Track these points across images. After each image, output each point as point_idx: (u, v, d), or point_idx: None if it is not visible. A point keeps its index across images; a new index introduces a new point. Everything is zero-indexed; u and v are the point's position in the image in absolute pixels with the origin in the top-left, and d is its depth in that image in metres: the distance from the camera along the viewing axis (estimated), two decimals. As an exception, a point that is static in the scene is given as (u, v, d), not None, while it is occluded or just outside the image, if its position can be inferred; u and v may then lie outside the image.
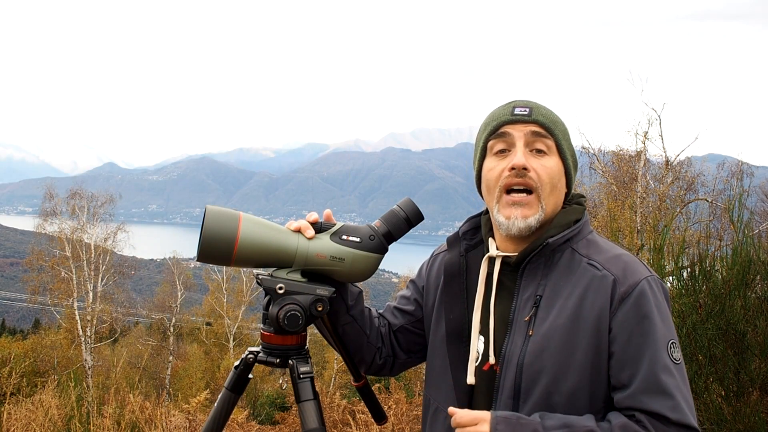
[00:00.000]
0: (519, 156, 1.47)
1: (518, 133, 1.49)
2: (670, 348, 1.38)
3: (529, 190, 1.48)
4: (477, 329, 1.53)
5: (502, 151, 1.51)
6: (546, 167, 1.48)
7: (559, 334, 1.41)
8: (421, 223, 1.62)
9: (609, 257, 1.47)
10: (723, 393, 3.10)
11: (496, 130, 1.51)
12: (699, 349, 3.09)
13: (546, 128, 1.49)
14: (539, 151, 1.49)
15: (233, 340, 30.18)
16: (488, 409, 1.42)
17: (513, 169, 1.47)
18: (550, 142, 1.50)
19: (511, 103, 1.54)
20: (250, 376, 1.63)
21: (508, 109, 1.52)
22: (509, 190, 1.49)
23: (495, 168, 1.51)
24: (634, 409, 1.35)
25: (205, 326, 31.86)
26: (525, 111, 1.50)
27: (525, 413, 1.39)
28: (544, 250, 1.48)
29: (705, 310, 3.12)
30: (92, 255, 26.28)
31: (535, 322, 1.45)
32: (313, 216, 1.58)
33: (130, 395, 5.51)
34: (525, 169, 1.46)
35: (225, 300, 31.70)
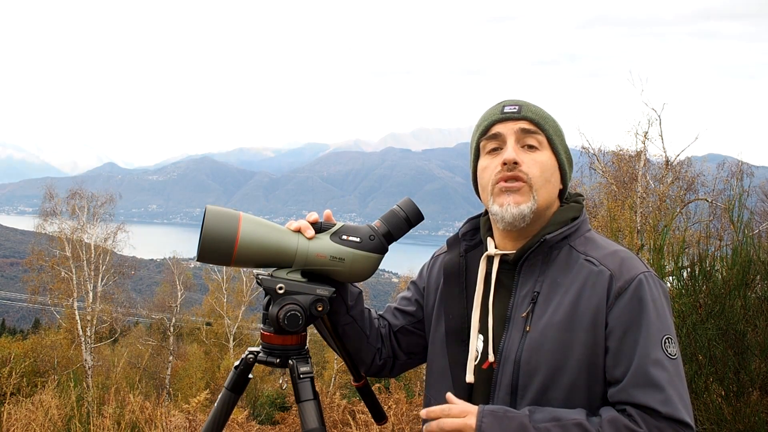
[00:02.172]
0: (509, 151, 1.49)
1: (508, 130, 1.51)
2: (665, 343, 1.38)
3: (522, 181, 1.49)
4: (476, 328, 1.53)
5: (494, 150, 1.53)
6: (537, 161, 1.50)
7: (556, 330, 1.42)
8: (421, 223, 1.62)
9: (606, 253, 1.48)
10: (723, 393, 3.10)
11: (487, 131, 1.54)
12: (699, 349, 3.09)
13: (536, 124, 1.52)
14: (531, 147, 1.51)
15: (233, 340, 30.16)
16: None
17: (505, 164, 1.49)
18: (541, 138, 1.52)
19: (501, 102, 1.57)
20: (250, 376, 1.63)
21: (498, 108, 1.55)
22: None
23: (488, 166, 1.53)
24: (625, 403, 1.36)
25: (205, 326, 31.83)
26: (514, 109, 1.53)
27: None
28: (542, 247, 1.49)
29: (705, 310, 3.12)
30: (92, 255, 26.27)
31: (532, 318, 1.45)
32: (313, 216, 1.58)
33: (130, 395, 5.51)
34: (516, 163, 1.48)
35: (225, 300, 31.67)
